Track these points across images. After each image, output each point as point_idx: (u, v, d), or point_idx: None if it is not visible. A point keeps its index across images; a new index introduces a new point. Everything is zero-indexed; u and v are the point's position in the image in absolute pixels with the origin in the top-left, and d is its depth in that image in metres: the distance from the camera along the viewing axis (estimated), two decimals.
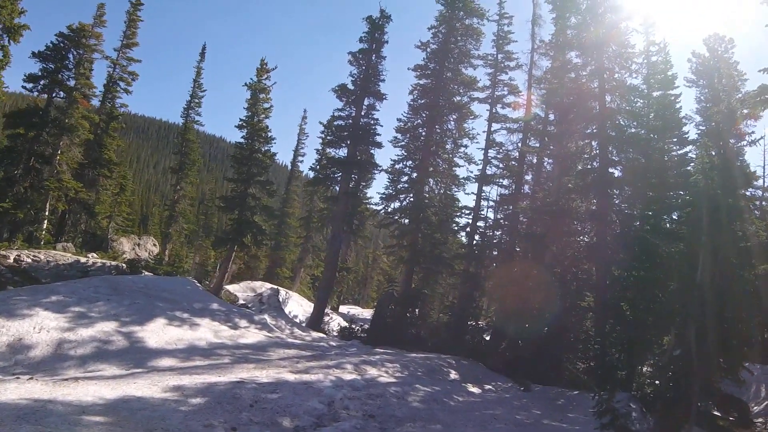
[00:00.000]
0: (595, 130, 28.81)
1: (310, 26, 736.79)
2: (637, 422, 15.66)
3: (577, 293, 26.85)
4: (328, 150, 37.02)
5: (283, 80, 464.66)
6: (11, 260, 26.09)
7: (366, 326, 31.92)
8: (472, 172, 33.91)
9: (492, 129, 33.83)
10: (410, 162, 34.09)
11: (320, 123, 36.90)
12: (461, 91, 34.18)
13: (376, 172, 36.23)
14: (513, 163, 33.57)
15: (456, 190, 34.65)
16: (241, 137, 36.09)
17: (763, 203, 36.91)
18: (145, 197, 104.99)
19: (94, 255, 32.43)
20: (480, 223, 33.61)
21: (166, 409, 10.71)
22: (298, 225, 58.56)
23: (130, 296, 20.83)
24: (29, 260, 26.74)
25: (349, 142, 34.28)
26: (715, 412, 19.95)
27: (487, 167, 33.45)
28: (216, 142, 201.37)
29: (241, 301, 34.65)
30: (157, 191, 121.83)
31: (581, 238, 29.78)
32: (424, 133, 33.94)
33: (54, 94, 34.49)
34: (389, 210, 34.62)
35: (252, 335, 21.70)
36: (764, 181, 39.02)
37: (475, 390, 19.24)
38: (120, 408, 10.29)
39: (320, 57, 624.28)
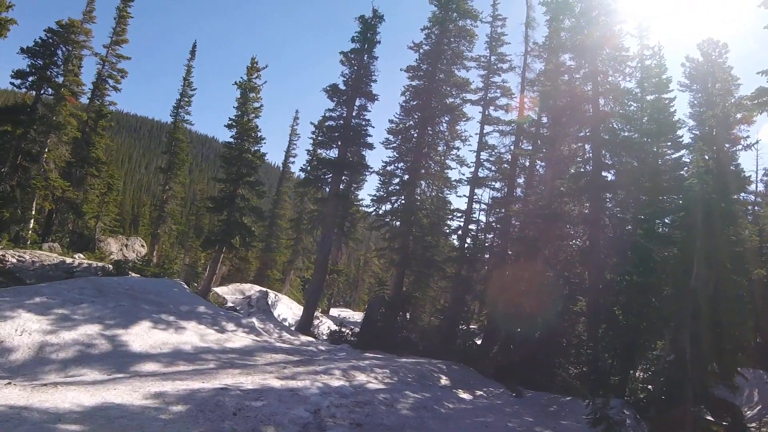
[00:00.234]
0: (588, 134, 28.62)
1: (302, 27, 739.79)
2: (632, 429, 15.41)
3: (569, 297, 26.55)
4: (319, 151, 36.63)
5: (275, 81, 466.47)
6: None
7: (356, 330, 31.65)
8: (464, 174, 33.85)
9: (484, 131, 33.68)
10: (402, 164, 33.92)
11: (311, 123, 36.65)
12: (454, 92, 34.06)
13: (367, 173, 36.13)
14: (505, 166, 33.42)
15: (448, 192, 34.50)
16: (231, 137, 35.69)
17: (756, 208, 36.86)
18: (137, 198, 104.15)
19: (81, 256, 32.02)
20: (472, 226, 33.51)
21: (146, 417, 10.33)
22: (288, 227, 58.22)
23: (115, 298, 20.35)
24: (14, 260, 26.19)
25: (340, 143, 34.02)
26: (708, 417, 19.74)
27: (480, 170, 33.27)
28: (208, 142, 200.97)
29: (229, 304, 34.23)
30: (149, 192, 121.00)
31: (574, 242, 29.57)
32: (416, 135, 33.75)
33: (42, 91, 33.83)
34: (380, 212, 34.44)
35: (239, 339, 21.28)
36: (756, 186, 39.04)
37: (466, 396, 18.88)
38: (97, 416, 9.93)
39: (312, 58, 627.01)
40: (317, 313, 37.60)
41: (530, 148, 33.01)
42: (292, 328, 31.23)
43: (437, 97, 33.66)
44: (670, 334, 17.38)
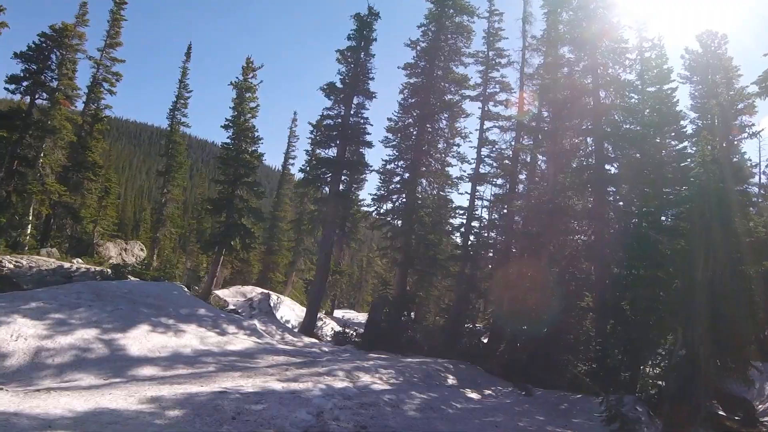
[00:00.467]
0: (590, 127, 28.48)
1: (299, 29, 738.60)
2: (645, 426, 15.07)
3: (576, 293, 26.21)
4: (317, 150, 36.29)
5: (272, 84, 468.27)
6: None
7: (360, 330, 31.35)
8: (465, 171, 33.73)
9: (485, 127, 33.37)
10: (402, 162, 33.54)
11: (309, 124, 36.50)
12: (452, 89, 33.73)
13: (367, 172, 35.65)
14: (507, 162, 33.04)
15: (449, 190, 34.25)
16: (228, 137, 35.20)
17: (760, 200, 36.51)
18: (138, 203, 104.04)
19: (79, 260, 31.76)
20: (474, 224, 33.21)
21: (140, 422, 9.96)
22: (289, 228, 57.99)
23: (113, 302, 20.05)
24: (11, 266, 25.98)
25: (338, 142, 33.65)
26: (721, 413, 19.38)
27: (481, 166, 32.97)
28: (208, 146, 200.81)
29: (231, 306, 33.80)
30: (150, 197, 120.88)
31: (578, 236, 29.23)
32: (415, 133, 33.42)
33: (37, 96, 33.71)
34: (381, 211, 34.07)
35: (240, 342, 20.94)
36: (760, 178, 38.70)
37: (474, 396, 18.53)
38: (89, 421, 9.56)
39: (310, 61, 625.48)
40: (321, 315, 37.31)
41: (531, 143, 32.73)
42: (295, 330, 30.95)
43: (436, 94, 33.33)
44: (681, 329, 17.02)
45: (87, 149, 38.18)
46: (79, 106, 38.73)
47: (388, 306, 29.82)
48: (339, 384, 15.47)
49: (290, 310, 39.05)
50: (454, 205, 33.94)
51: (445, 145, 34.07)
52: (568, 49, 30.31)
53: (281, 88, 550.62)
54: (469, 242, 32.88)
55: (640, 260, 21.22)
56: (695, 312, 16.09)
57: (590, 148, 28.83)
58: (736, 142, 36.08)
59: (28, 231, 34.04)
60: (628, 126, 27.64)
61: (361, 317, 47.63)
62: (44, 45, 33.80)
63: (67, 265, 28.49)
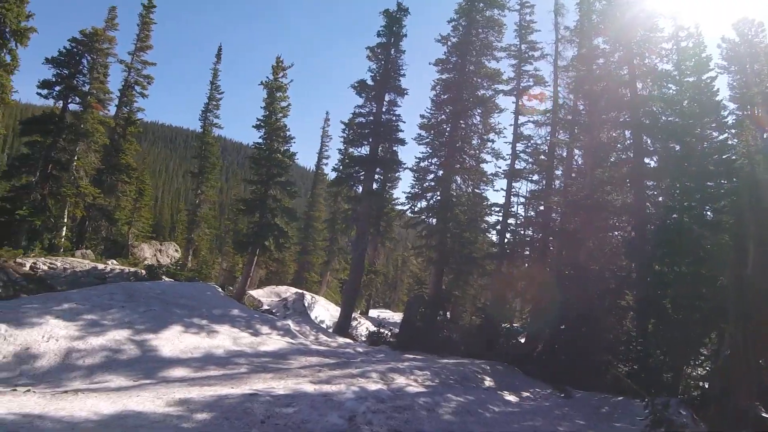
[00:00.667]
0: (627, 119, 27.78)
1: (329, 30, 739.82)
2: (689, 430, 14.46)
3: (615, 291, 25.48)
4: (350, 149, 36.03)
5: (304, 85, 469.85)
6: (27, 268, 25.60)
7: (395, 330, 31.00)
8: (500, 167, 33.07)
9: (519, 122, 32.93)
10: (435, 159, 33.14)
11: (342, 122, 36.08)
12: (485, 84, 33.20)
13: (400, 170, 35.55)
14: (542, 157, 32.52)
15: (484, 187, 33.82)
16: (260, 137, 35.10)
17: None
18: (174, 206, 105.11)
19: (114, 261, 31.93)
20: (510, 221, 32.72)
21: (166, 425, 9.70)
22: (323, 228, 58.05)
23: (145, 303, 20.12)
24: (45, 267, 26.25)
25: (371, 140, 33.57)
26: (765, 415, 18.63)
27: (516, 162, 32.55)
28: (243, 149, 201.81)
29: (265, 307, 33.80)
30: (186, 200, 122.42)
31: (617, 233, 28.49)
32: (448, 129, 33.02)
33: (69, 100, 34.03)
34: (416, 209, 33.61)
35: (273, 342, 20.76)
36: None
37: (511, 398, 18.02)
38: (114, 425, 9.37)
39: (341, 59, 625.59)
40: (355, 315, 37.11)
41: (567, 137, 32.06)
42: (330, 330, 30.82)
43: (468, 89, 32.85)
44: (727, 327, 16.35)
45: (120, 152, 38.55)
46: (112, 109, 39.14)
47: (423, 305, 29.41)
48: (373, 386, 15.09)
49: (325, 310, 38.95)
50: (489, 203, 33.45)
51: (479, 141, 33.58)
52: (602, 40, 29.78)
53: (313, 89, 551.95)
54: (506, 240, 32.49)
55: (682, 256, 20.59)
56: (742, 310, 15.44)
57: (628, 141, 28.20)
58: None
59: (63, 233, 34.35)
60: (666, 118, 26.89)
61: (397, 317, 47.39)
62: (75, 50, 34.11)
63: (101, 266, 28.68)
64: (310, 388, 13.75)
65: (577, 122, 31.25)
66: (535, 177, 33.15)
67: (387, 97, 33.94)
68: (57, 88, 33.29)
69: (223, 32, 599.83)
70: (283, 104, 35.57)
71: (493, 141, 33.51)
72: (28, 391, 11.17)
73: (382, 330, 31.27)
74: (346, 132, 36.88)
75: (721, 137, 27.52)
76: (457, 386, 17.69)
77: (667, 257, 22.35)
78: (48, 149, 32.54)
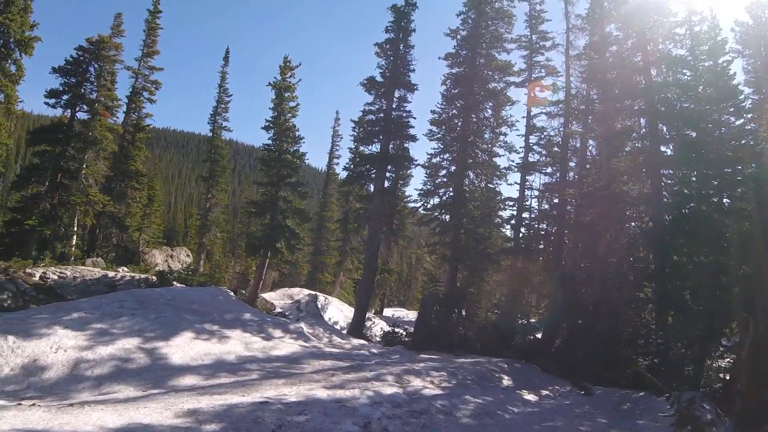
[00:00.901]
0: (642, 107, 27.23)
1: (337, 31, 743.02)
2: (714, 427, 13.92)
3: (634, 284, 24.90)
4: (361, 147, 35.63)
5: (313, 85, 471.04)
6: (37, 278, 25.37)
7: (410, 329, 30.63)
8: (513, 161, 32.93)
9: (531, 114, 32.62)
10: (447, 155, 32.71)
11: (351, 121, 35.67)
12: (496, 76, 32.68)
13: (412, 166, 35.33)
14: (556, 149, 32.04)
15: (498, 181, 32.99)
16: (269, 138, 34.65)
17: None
18: (188, 211, 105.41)
19: (124, 269, 31.72)
20: (525, 215, 32.43)
21: None
22: (336, 228, 57.86)
23: (156, 310, 19.82)
24: (55, 277, 26.04)
25: (381, 137, 33.19)
26: None
27: (529, 154, 32.23)
28: (254, 152, 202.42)
29: (278, 310, 33.47)
30: (199, 204, 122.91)
31: (635, 224, 27.90)
32: (460, 124, 32.50)
33: (77, 108, 34.06)
34: (428, 206, 33.33)
35: (286, 346, 20.38)
36: None
37: (531, 398, 17.50)
38: None
39: (350, 58, 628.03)
40: (370, 315, 36.69)
41: (581, 128, 31.48)
42: (344, 332, 30.48)
43: (479, 82, 32.32)
44: (751, 318, 15.77)
45: (129, 158, 38.52)
46: (120, 116, 39.15)
47: (438, 303, 28.94)
48: (388, 390, 14.68)
49: (338, 311, 38.68)
50: (503, 197, 32.99)
51: (491, 134, 32.98)
52: (614, 27, 29.21)
53: (322, 89, 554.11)
54: (520, 234, 32.16)
55: (701, 246, 20.04)
56: (766, 299, 14.88)
57: (643, 130, 27.66)
58: None
59: (74, 242, 34.38)
60: (682, 104, 26.30)
61: (412, 315, 47.14)
62: (82, 58, 34.12)
63: (111, 274, 28.50)
64: (323, 393, 13.42)
65: (590, 112, 30.67)
66: (549, 169, 32.76)
67: (397, 94, 33.61)
68: (64, 97, 33.32)
69: (231, 35, 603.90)
70: (292, 104, 35.21)
71: (505, 134, 32.91)
72: (33, 405, 10.86)
73: (396, 330, 30.96)
74: (357, 130, 36.51)
75: (738, 122, 26.88)
76: (474, 387, 17.30)
77: (686, 247, 21.83)
78: (57, 158, 32.50)
